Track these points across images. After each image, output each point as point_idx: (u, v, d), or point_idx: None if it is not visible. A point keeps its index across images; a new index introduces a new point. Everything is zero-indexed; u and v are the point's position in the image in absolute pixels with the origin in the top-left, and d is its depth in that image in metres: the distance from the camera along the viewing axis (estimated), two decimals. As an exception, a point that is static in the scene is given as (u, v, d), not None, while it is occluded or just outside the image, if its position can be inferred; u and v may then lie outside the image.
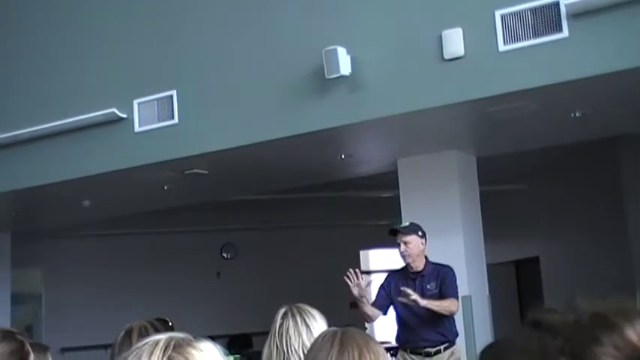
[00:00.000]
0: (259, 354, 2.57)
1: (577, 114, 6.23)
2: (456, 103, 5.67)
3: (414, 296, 5.06)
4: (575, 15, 5.14)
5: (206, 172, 7.32)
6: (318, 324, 2.42)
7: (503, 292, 10.87)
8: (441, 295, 5.24)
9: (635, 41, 5.00)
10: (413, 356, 5.36)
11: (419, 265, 5.39)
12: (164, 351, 1.09)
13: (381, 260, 14.26)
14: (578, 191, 10.49)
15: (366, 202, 11.67)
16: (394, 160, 7.52)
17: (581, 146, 8.10)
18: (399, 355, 5.52)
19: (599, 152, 9.12)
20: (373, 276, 14.57)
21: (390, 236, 5.58)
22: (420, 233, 5.45)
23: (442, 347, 5.30)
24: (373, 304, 5.48)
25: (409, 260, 5.39)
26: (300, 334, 2.42)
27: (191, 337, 1.15)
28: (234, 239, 13.47)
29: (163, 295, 11.62)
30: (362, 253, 14.03)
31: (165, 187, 7.99)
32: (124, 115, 6.90)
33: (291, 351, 2.41)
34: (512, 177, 10.54)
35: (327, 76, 5.89)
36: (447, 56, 5.62)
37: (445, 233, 6.95)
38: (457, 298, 5.31)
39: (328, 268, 12.54)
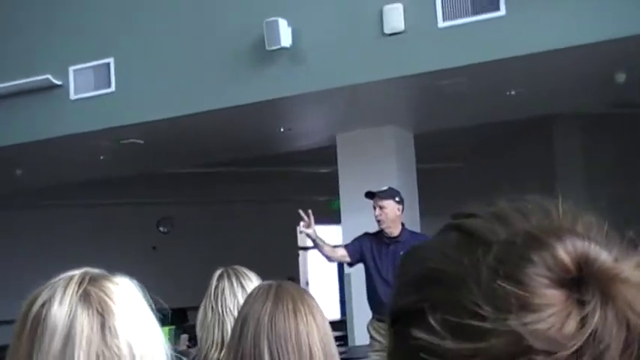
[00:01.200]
0: (194, 327, 2.57)
1: (512, 92, 6.36)
2: (395, 77, 5.73)
3: (309, 230, 5.13)
4: (513, -6, 5.24)
5: (142, 142, 7.23)
6: (254, 285, 2.42)
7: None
8: None
9: (569, 21, 5.13)
10: (379, 324, 5.26)
11: (394, 230, 5.28)
12: (79, 284, 1.09)
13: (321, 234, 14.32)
14: (512, 169, 10.70)
15: (304, 178, 11.71)
16: (333, 135, 7.56)
17: (517, 124, 8.27)
18: (367, 324, 5.46)
19: (534, 131, 9.32)
20: (310, 252, 14.66)
21: (367, 198, 5.43)
22: (397, 199, 5.34)
23: None
24: (345, 247, 5.44)
25: (384, 225, 5.27)
26: (235, 295, 2.42)
27: (106, 272, 1.14)
28: (170, 213, 13.36)
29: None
30: (299, 229, 14.06)
31: (102, 157, 7.87)
32: (59, 82, 6.75)
33: (227, 312, 2.41)
34: (449, 155, 10.70)
35: (267, 48, 5.87)
36: (387, 31, 5.66)
37: (382, 208, 7.02)
38: None
39: (265, 243, 12.57)
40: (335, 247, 5.50)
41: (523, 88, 6.27)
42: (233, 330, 1.66)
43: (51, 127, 6.87)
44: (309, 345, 1.58)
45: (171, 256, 12.86)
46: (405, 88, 6.25)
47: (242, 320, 1.62)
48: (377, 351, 5.22)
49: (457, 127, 7.81)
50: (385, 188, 5.44)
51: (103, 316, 1.06)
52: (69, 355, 1.03)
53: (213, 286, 2.49)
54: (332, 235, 13.78)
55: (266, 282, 1.70)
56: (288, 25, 5.88)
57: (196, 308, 2.52)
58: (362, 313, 6.04)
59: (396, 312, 0.53)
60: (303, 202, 13.17)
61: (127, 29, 6.65)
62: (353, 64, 5.80)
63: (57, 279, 1.09)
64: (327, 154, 7.96)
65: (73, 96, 6.74)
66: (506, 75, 5.89)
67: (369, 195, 5.40)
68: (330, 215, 11.46)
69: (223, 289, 2.47)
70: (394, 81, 5.80)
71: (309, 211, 5.22)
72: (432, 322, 0.47)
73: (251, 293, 1.69)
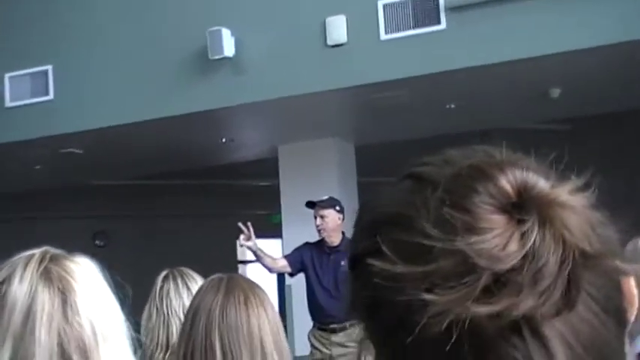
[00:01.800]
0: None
1: (452, 105, 6.48)
2: (337, 89, 5.78)
3: (249, 243, 5.16)
4: (453, 8, 5.35)
5: (81, 151, 7.10)
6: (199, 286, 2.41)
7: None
8: None
9: (506, 36, 5.26)
10: (321, 332, 5.31)
11: (334, 240, 5.31)
12: (40, 262, 1.08)
13: (262, 247, 14.26)
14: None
15: (244, 191, 11.66)
16: (275, 147, 7.56)
17: (457, 138, 8.37)
18: (309, 333, 5.45)
19: (474, 145, 9.47)
20: (249, 266, 14.58)
21: (308, 208, 5.46)
22: (337, 208, 5.40)
23: (347, 324, 5.17)
24: (286, 258, 5.47)
25: (325, 235, 5.31)
26: (180, 296, 2.40)
27: (65, 252, 1.13)
28: (107, 226, 13.12)
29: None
30: (239, 242, 13.98)
31: (37, 167, 7.69)
32: (-6, 89, 6.60)
33: (172, 313, 2.38)
34: (390, 168, 10.77)
35: (210, 57, 5.85)
36: (330, 42, 5.72)
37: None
38: None
39: (204, 257, 12.42)
40: (275, 258, 5.50)
41: (463, 101, 6.39)
42: (184, 322, 1.65)
43: (-16, 134, 6.70)
44: (261, 336, 1.58)
45: (107, 270, 12.61)
46: (347, 100, 6.31)
47: (193, 312, 1.62)
48: (317, 359, 5.24)
49: (399, 139, 7.89)
50: (326, 198, 5.49)
51: (64, 293, 1.06)
52: (29, 330, 1.02)
53: (158, 287, 2.46)
54: (273, 248, 13.78)
55: (216, 275, 1.70)
56: (232, 35, 5.88)
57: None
58: (302, 324, 6.03)
59: (354, 257, 0.56)
60: (242, 216, 13.10)
61: (67, 37, 6.54)
62: (295, 75, 5.83)
63: (16, 257, 1.08)
64: (268, 167, 7.95)
65: (8, 103, 6.58)
66: (447, 88, 6.00)
67: (310, 205, 5.43)
68: (270, 229, 11.44)
69: (168, 291, 2.44)
70: (336, 92, 5.85)
71: (249, 224, 5.25)
72: (385, 249, 0.50)
73: (202, 286, 1.69)
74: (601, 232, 0.49)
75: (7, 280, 1.05)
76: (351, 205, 7.64)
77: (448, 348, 0.47)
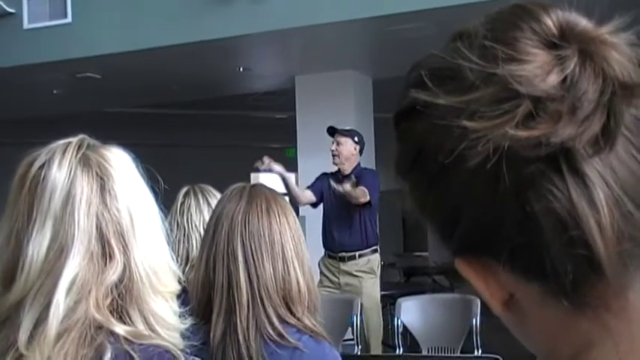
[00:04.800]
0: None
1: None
2: (356, 19, 5.71)
3: (339, 188, 5.11)
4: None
5: (99, 76, 7.09)
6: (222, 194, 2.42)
7: (387, 218, 11.16)
8: None
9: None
10: (330, 260, 5.35)
11: (347, 168, 5.32)
12: (78, 149, 1.09)
13: (271, 184, 14.34)
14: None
15: (259, 123, 11.65)
16: (292, 77, 7.52)
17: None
18: (319, 261, 5.47)
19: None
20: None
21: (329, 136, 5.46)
22: (355, 139, 5.39)
23: (357, 254, 5.26)
24: (309, 188, 5.44)
25: (337, 161, 5.32)
26: (201, 212, 2.43)
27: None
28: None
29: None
30: (253, 175, 14.05)
31: (55, 92, 7.69)
32: (12, 10, 6.55)
33: (192, 227, 2.41)
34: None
35: (230, -17, 5.78)
36: (351, -29, 5.62)
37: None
38: (371, 196, 5.26)
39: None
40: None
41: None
42: (207, 228, 1.66)
43: (2, 56, 6.68)
44: (282, 243, 1.60)
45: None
46: (366, 31, 6.23)
47: (216, 219, 1.63)
48: (326, 286, 5.32)
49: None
50: (348, 128, 5.48)
51: (102, 179, 1.07)
52: (69, 213, 1.04)
53: (179, 202, 2.48)
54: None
55: (239, 184, 1.71)
56: (252, -39, 5.80)
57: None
58: (315, 256, 6.09)
59: (397, 115, 0.57)
60: (257, 149, 13.16)
61: (85, -41, 6.47)
62: (314, 5, 5.75)
63: (53, 145, 1.09)
64: (284, 100, 7.92)
65: (26, 25, 6.55)
66: (469, 18, 5.88)
67: (331, 131, 5.42)
68: (285, 163, 11.44)
69: (189, 206, 2.47)
70: (355, 23, 5.78)
71: (265, 157, 5.25)
72: (427, 82, 0.52)
73: (224, 194, 1.70)
74: None
75: (46, 165, 1.07)
76: (367, 139, 7.64)
77: (489, 183, 0.48)
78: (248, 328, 1.53)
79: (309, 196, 5.43)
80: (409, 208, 0.57)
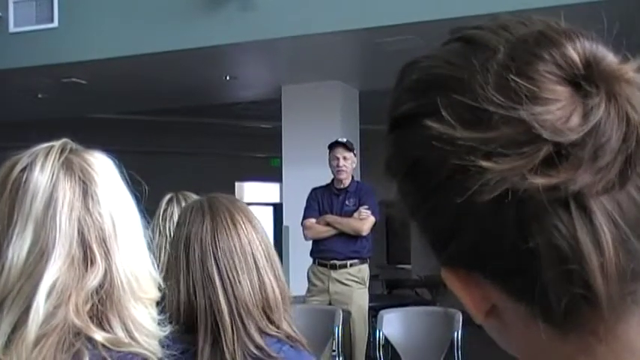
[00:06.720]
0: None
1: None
2: (345, 30, 5.73)
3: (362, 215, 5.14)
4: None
5: (84, 82, 7.06)
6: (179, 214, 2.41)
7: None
8: None
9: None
10: (321, 268, 5.32)
11: (347, 182, 5.33)
12: (61, 152, 1.08)
13: (256, 193, 14.35)
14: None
15: (244, 133, 11.65)
16: (279, 87, 7.52)
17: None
18: (308, 269, 5.47)
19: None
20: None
21: (329, 148, 5.39)
22: (355, 152, 5.45)
23: (349, 262, 5.23)
24: (313, 216, 5.39)
25: (344, 176, 5.29)
26: (184, 219, 2.42)
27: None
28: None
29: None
30: (237, 184, 14.05)
31: (40, 96, 7.65)
32: (-2, 14, 6.53)
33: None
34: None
35: (218, -9, 5.78)
36: (340, -18, 5.64)
37: (324, 164, 7.03)
38: (374, 216, 5.25)
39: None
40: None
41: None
42: (176, 251, 1.61)
43: (-13, 59, 6.65)
44: (252, 253, 1.59)
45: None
46: (354, 43, 6.26)
47: (185, 241, 1.59)
48: (314, 296, 5.30)
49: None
50: (345, 140, 5.44)
51: (85, 183, 1.06)
52: (51, 217, 1.02)
53: (162, 209, 2.47)
54: (271, 192, 13.83)
55: (193, 200, 1.69)
56: (241, -31, 5.80)
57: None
58: (299, 266, 6.08)
59: (396, 118, 0.54)
60: (243, 157, 13.13)
61: (73, -37, 6.45)
62: (303, 15, 5.76)
63: (36, 148, 1.08)
64: (269, 109, 7.92)
65: (12, 29, 6.52)
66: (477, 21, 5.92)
67: (335, 144, 5.36)
68: (269, 173, 11.45)
69: (172, 213, 2.45)
70: (343, 34, 5.80)
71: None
72: (444, 112, 0.49)
73: (184, 214, 1.66)
74: None
75: (28, 168, 1.06)
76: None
77: (491, 210, 0.47)
78: (235, 350, 1.52)
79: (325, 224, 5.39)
80: (396, 211, 0.56)
